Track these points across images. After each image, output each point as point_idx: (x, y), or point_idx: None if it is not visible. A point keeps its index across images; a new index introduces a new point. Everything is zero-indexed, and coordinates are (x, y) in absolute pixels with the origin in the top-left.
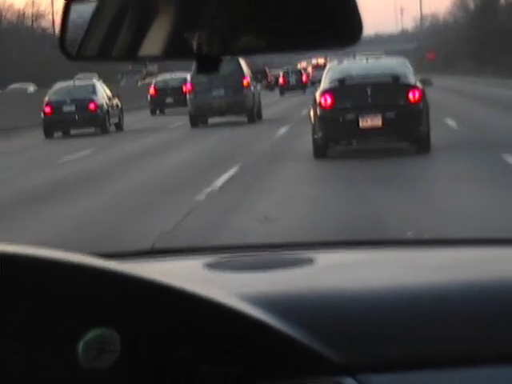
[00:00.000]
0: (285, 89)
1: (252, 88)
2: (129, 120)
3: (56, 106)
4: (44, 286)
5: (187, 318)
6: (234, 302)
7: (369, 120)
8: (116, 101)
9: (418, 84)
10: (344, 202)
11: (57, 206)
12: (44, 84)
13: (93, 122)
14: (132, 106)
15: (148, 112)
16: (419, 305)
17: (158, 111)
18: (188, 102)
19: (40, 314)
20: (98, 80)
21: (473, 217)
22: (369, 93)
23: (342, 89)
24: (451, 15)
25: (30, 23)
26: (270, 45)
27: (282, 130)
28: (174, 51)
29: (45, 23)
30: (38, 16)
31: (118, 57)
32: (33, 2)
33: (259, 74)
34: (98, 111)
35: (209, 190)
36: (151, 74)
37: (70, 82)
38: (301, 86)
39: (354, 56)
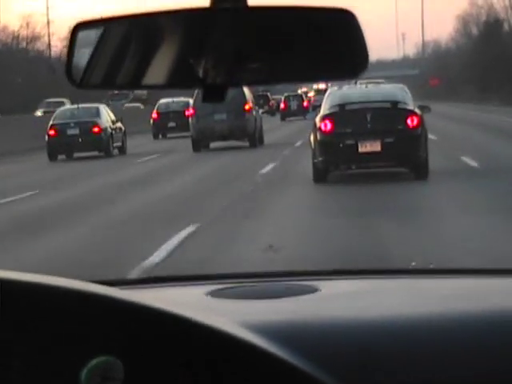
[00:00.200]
0: (286, 114)
1: (254, 113)
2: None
3: (60, 129)
4: (47, 313)
5: (189, 346)
6: (236, 330)
7: (368, 145)
8: (119, 124)
9: (417, 110)
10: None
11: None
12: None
13: (96, 145)
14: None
15: (150, 136)
16: (421, 335)
17: (160, 135)
18: (190, 127)
19: (44, 341)
20: (71, 104)
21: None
22: (368, 118)
23: (342, 114)
24: (453, 41)
25: (25, 45)
26: (275, 75)
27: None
28: (180, 80)
29: (40, 45)
30: (33, 38)
31: (123, 85)
32: (27, 24)
33: (261, 99)
34: (102, 134)
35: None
36: (139, 99)
37: (74, 105)
38: (302, 112)
39: (356, 82)
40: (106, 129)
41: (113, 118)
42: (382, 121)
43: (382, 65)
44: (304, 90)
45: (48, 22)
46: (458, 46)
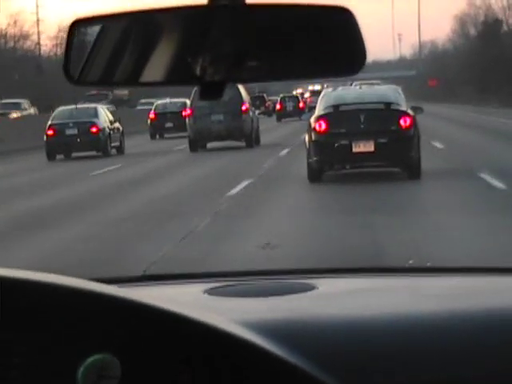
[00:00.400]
0: (282, 115)
1: (250, 114)
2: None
3: (59, 129)
4: (45, 311)
5: (187, 344)
6: (233, 328)
7: (361, 145)
8: (117, 124)
9: (410, 111)
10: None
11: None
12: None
13: (94, 145)
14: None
15: (147, 136)
16: (419, 334)
17: (157, 135)
18: (187, 127)
19: (41, 338)
20: (31, 107)
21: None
22: (362, 119)
23: (336, 115)
24: (451, 42)
25: (13, 44)
26: (273, 73)
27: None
28: (177, 77)
29: (29, 44)
30: (21, 36)
31: (121, 82)
32: (15, 22)
33: (257, 100)
34: (100, 134)
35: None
36: (121, 100)
37: (73, 106)
38: (298, 113)
39: (351, 83)
40: (104, 129)
41: (111, 118)
42: (376, 121)
43: (379, 66)
44: (300, 91)
45: (38, 21)
46: (456, 46)
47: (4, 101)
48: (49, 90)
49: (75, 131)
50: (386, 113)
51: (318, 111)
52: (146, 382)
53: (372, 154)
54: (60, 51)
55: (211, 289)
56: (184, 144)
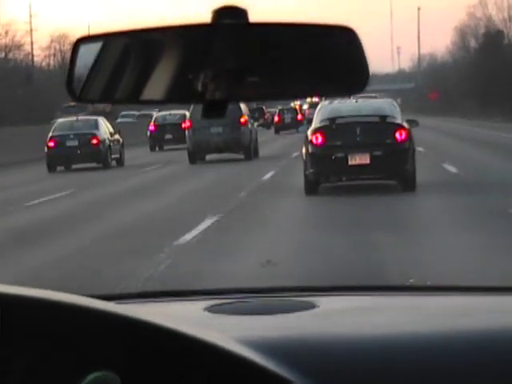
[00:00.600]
0: (280, 127)
1: (249, 126)
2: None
3: (59, 141)
4: (45, 328)
5: (187, 362)
6: (233, 345)
7: (357, 158)
8: (117, 136)
9: (405, 124)
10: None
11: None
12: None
13: (95, 156)
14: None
15: (147, 148)
16: (419, 353)
17: (157, 147)
18: (187, 139)
19: (41, 355)
20: None
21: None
22: (358, 132)
23: (332, 127)
24: (450, 54)
25: (4, 54)
26: (276, 91)
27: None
28: (179, 95)
29: (20, 54)
30: (12, 47)
31: (122, 99)
32: (6, 32)
33: (256, 112)
34: (100, 146)
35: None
36: (103, 112)
37: (73, 117)
38: (296, 125)
39: (349, 96)
40: (104, 141)
41: (111, 130)
42: (371, 134)
43: (377, 78)
44: (298, 103)
45: (31, 30)
46: (455, 58)
47: None
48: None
49: (76, 143)
50: (382, 126)
51: (315, 124)
52: None
53: (368, 166)
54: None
55: (211, 306)
56: (183, 156)
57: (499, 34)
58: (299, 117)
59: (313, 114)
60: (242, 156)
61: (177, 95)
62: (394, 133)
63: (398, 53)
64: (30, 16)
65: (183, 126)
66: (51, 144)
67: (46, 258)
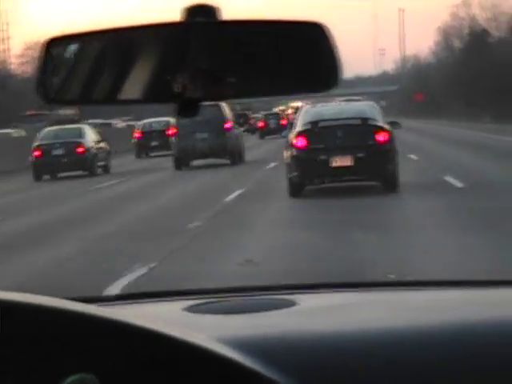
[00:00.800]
0: (265, 132)
1: (235, 131)
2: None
3: (45, 150)
4: (23, 330)
5: (166, 362)
6: (213, 345)
7: (340, 160)
8: (103, 144)
9: (386, 126)
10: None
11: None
12: None
13: (81, 165)
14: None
15: (133, 156)
16: (399, 348)
17: (143, 154)
18: (172, 145)
19: (19, 358)
20: None
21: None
22: (340, 134)
23: (315, 131)
24: (434, 55)
25: None
26: (249, 89)
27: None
28: (154, 95)
29: None
30: None
31: (98, 100)
32: None
33: (241, 118)
34: (87, 154)
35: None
36: (71, 120)
37: (59, 126)
38: (280, 129)
39: (334, 99)
40: (90, 149)
41: (97, 137)
42: (353, 137)
43: (361, 81)
44: (281, 108)
45: (8, 39)
46: (439, 59)
47: None
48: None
49: (62, 151)
50: (364, 128)
51: (298, 127)
52: None
53: (350, 168)
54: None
55: (191, 306)
56: (169, 162)
57: (484, 32)
58: (283, 122)
59: (297, 119)
60: (227, 161)
61: (151, 95)
62: (376, 135)
63: (382, 55)
64: (7, 24)
65: (168, 132)
66: (37, 153)
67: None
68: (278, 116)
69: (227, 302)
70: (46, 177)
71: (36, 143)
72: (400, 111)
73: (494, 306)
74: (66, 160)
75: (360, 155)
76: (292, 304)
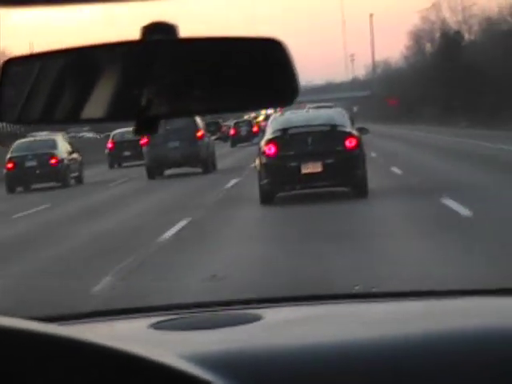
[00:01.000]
0: (236, 140)
1: (206, 140)
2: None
3: (18, 162)
4: None
5: (129, 380)
6: (177, 362)
7: (310, 166)
8: (76, 155)
9: (355, 132)
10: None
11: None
12: None
13: (54, 176)
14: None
15: (106, 166)
16: (365, 360)
17: (116, 164)
18: (144, 155)
19: None
20: None
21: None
22: (309, 141)
23: (285, 138)
24: (405, 59)
25: None
26: (207, 106)
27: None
28: (114, 113)
29: None
30: None
31: (60, 119)
32: None
33: (212, 126)
34: (59, 166)
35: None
36: (14, 134)
37: (31, 138)
38: (252, 137)
39: (305, 106)
40: (62, 160)
41: (69, 148)
42: (323, 143)
43: (332, 87)
44: (253, 115)
45: None
46: (410, 63)
47: None
48: None
49: (34, 163)
50: (332, 134)
51: (268, 135)
52: None
53: (320, 174)
54: None
55: (156, 323)
56: (142, 172)
57: (457, 34)
58: (255, 129)
59: (267, 126)
60: (200, 170)
61: (111, 113)
62: (344, 141)
63: (352, 60)
64: None
65: (141, 142)
66: (10, 165)
67: None
68: (249, 123)
69: (192, 318)
70: (20, 189)
71: (8, 155)
72: (374, 117)
73: (456, 315)
74: (39, 172)
75: (329, 161)
76: (257, 318)
